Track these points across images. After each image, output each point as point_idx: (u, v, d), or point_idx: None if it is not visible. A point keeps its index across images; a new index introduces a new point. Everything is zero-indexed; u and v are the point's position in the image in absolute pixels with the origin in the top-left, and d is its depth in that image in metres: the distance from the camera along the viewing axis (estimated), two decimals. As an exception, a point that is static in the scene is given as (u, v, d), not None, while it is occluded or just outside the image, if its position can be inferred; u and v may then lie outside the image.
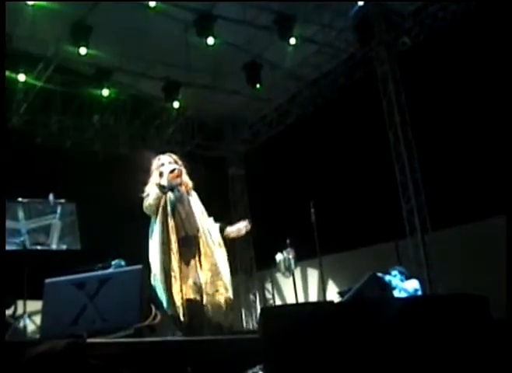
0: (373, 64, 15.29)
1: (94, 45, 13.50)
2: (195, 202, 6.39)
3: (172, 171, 6.18)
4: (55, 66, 14.58)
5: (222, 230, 6.47)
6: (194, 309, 5.76)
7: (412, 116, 14.28)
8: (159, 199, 6.09)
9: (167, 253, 5.87)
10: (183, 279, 5.82)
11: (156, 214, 6.11)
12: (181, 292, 5.74)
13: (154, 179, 6.32)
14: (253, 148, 19.23)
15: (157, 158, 6.54)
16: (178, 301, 5.66)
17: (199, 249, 6.08)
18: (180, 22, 13.97)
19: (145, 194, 6.25)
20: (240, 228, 6.71)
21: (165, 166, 6.30)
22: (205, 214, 6.43)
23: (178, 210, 6.14)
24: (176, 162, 6.44)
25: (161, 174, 6.22)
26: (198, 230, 6.16)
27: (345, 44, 15.52)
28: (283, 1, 13.70)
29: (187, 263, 5.95)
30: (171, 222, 6.01)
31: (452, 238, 13.23)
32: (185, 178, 6.42)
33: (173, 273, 5.78)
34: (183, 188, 6.34)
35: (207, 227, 6.31)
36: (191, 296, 5.78)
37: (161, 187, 6.08)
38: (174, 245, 5.91)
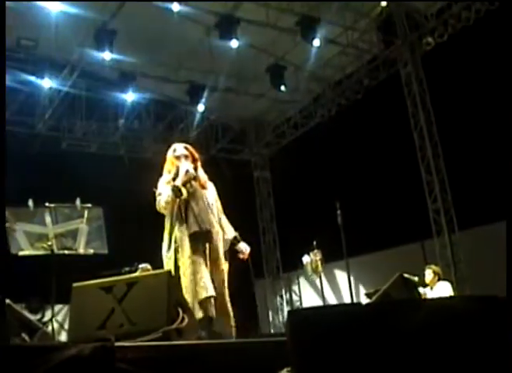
0: (396, 64, 15.24)
1: (118, 50, 13.56)
2: (211, 196, 6.28)
3: (187, 172, 6.07)
4: (80, 71, 14.65)
5: (236, 240, 6.30)
6: (205, 309, 5.65)
7: (436, 116, 14.20)
8: (172, 201, 5.99)
9: (174, 252, 5.84)
10: (192, 276, 5.71)
11: (170, 213, 6.05)
12: (190, 290, 5.65)
13: (167, 175, 6.24)
14: (277, 150, 19.22)
15: (172, 148, 6.42)
16: (189, 299, 5.59)
17: (211, 245, 5.97)
18: (203, 25, 13.99)
19: (157, 192, 6.14)
20: (246, 251, 6.33)
21: (182, 164, 6.17)
22: (220, 208, 6.35)
23: (191, 206, 6.00)
24: (192, 155, 6.33)
25: (176, 172, 6.12)
26: (212, 226, 6.04)
27: (368, 45, 15.47)
28: (306, 2, 13.66)
29: (199, 260, 5.81)
30: (183, 219, 5.94)
31: (479, 238, 13.14)
32: (200, 172, 6.31)
33: (182, 271, 5.74)
34: (196, 183, 6.19)
35: (224, 225, 6.27)
36: (202, 296, 5.64)
37: (175, 190, 5.97)
38: (183, 243, 5.85)
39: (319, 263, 11.43)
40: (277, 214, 19.29)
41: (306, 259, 11.57)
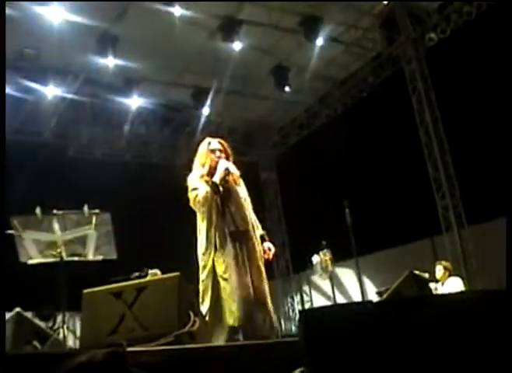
0: (400, 61, 15.23)
1: (121, 56, 13.58)
2: (244, 192, 6.17)
3: (226, 170, 5.94)
4: (84, 78, 14.66)
5: (262, 239, 6.16)
6: (246, 311, 5.54)
7: (442, 112, 14.18)
8: (211, 198, 5.81)
9: (213, 251, 5.67)
10: (229, 279, 5.58)
11: (208, 210, 5.82)
12: (228, 293, 5.54)
13: (200, 169, 6.07)
14: (284, 151, 19.22)
15: (206, 141, 6.27)
16: (226, 302, 5.51)
17: (248, 245, 5.86)
18: (206, 29, 13.98)
19: (192, 186, 5.94)
20: (270, 251, 6.20)
21: (221, 160, 6.02)
22: (250, 205, 6.21)
23: (227, 204, 5.87)
24: (225, 151, 6.18)
25: (212, 167, 5.99)
26: (248, 224, 5.95)
27: (371, 43, 15.47)
28: (308, 1, 13.64)
29: (236, 261, 5.67)
30: (219, 217, 5.78)
31: (489, 233, 13.10)
32: (233, 168, 6.12)
33: (219, 274, 5.61)
34: (231, 178, 6.05)
35: (255, 222, 6.14)
36: (245, 299, 5.54)
37: (214, 187, 5.83)
38: (222, 242, 5.70)
39: (329, 262, 11.43)
40: (285, 214, 19.29)
41: (315, 259, 11.57)
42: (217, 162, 6.00)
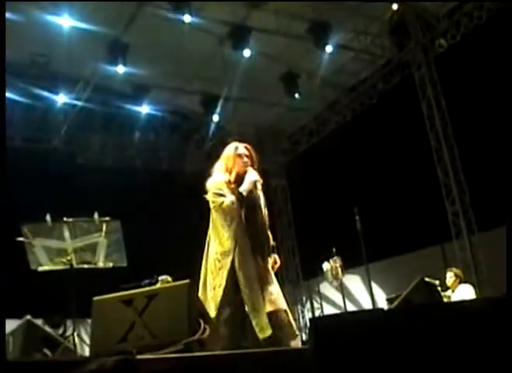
0: (410, 67, 15.20)
1: (131, 63, 13.62)
2: (262, 199, 6.05)
3: (255, 182, 5.82)
4: (94, 85, 14.70)
5: (272, 250, 6.03)
6: (276, 322, 5.47)
7: (452, 118, 14.15)
8: (236, 209, 5.65)
9: (230, 262, 5.52)
10: (251, 291, 5.47)
11: (228, 219, 5.65)
12: (252, 306, 5.42)
13: (225, 173, 5.88)
14: (293, 157, 19.20)
15: (233, 145, 6.05)
16: (250, 314, 5.39)
17: (266, 257, 5.78)
18: (215, 36, 14.02)
19: (217, 190, 5.75)
20: (276, 264, 5.99)
21: (250, 171, 5.86)
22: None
23: (250, 216, 5.75)
24: (252, 157, 6.01)
25: (240, 175, 5.84)
26: (268, 238, 5.90)
27: (381, 49, 15.45)
28: (317, 8, 13.64)
29: (256, 273, 5.58)
30: (241, 230, 5.64)
31: (500, 239, 13.03)
32: (258, 176, 5.96)
33: (240, 282, 5.49)
34: (256, 188, 5.93)
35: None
36: (269, 309, 5.46)
37: (241, 198, 5.69)
38: (244, 254, 5.58)
39: (339, 269, 11.39)
40: (295, 221, 19.27)
41: (326, 266, 11.54)
42: (244, 170, 5.86)
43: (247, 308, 5.40)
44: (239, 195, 5.70)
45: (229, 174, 5.87)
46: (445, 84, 14.34)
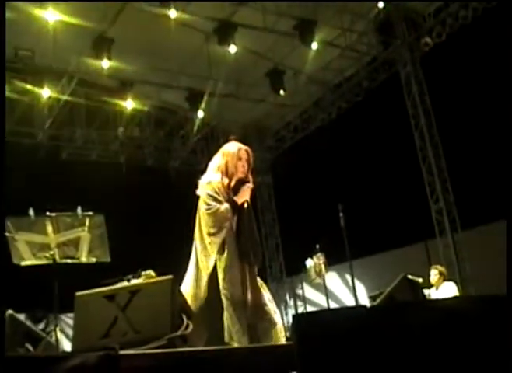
0: (396, 65, 15.25)
1: (116, 57, 13.57)
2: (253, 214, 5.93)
3: (251, 191, 5.76)
4: (78, 80, 14.65)
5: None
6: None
7: (437, 117, 14.20)
8: (230, 218, 5.55)
9: (219, 267, 5.45)
10: (235, 298, 5.38)
11: (220, 226, 5.52)
12: (232, 312, 5.34)
13: (222, 174, 5.71)
14: (278, 154, 19.22)
15: (236, 146, 5.89)
16: (229, 320, 5.32)
17: (253, 266, 5.65)
18: (201, 31, 14.00)
19: (214, 194, 5.59)
20: None
21: (249, 183, 5.77)
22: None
23: (241, 224, 5.64)
24: (250, 162, 5.85)
25: (239, 182, 5.72)
26: (258, 246, 5.78)
27: (367, 47, 15.47)
28: (304, 5, 13.64)
29: (242, 282, 5.48)
30: (232, 238, 5.55)
31: (483, 237, 13.12)
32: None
33: (223, 292, 5.40)
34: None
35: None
36: (249, 318, 5.38)
37: (235, 207, 5.60)
38: (232, 261, 5.48)
39: (322, 266, 11.39)
40: (279, 218, 19.30)
41: (309, 262, 11.53)
42: (244, 177, 5.77)
43: (226, 314, 5.37)
44: (234, 203, 5.61)
45: (227, 176, 5.72)
46: (430, 83, 14.38)
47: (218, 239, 5.51)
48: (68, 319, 11.04)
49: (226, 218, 5.54)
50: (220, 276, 5.44)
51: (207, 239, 5.53)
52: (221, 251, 5.50)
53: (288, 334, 5.71)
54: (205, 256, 5.54)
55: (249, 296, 5.48)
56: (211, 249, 5.51)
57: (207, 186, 5.66)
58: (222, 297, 5.38)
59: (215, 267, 5.49)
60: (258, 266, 5.75)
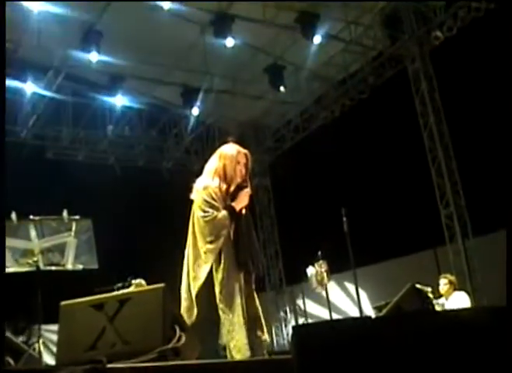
0: (403, 61, 15.22)
1: (105, 51, 13.55)
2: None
3: (250, 198, 5.72)
4: (65, 75, 14.63)
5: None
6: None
7: (447, 115, 14.18)
8: (228, 226, 5.52)
9: (219, 277, 5.39)
10: (234, 309, 5.36)
11: (217, 235, 5.47)
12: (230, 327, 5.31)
13: (220, 179, 5.66)
14: (277, 155, 19.20)
15: (235, 149, 5.84)
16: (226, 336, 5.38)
17: (251, 276, 5.64)
18: (197, 24, 13.98)
19: (212, 201, 5.54)
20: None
21: (247, 189, 5.71)
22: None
23: (239, 233, 5.60)
24: (247, 167, 5.83)
25: (238, 188, 5.68)
26: (258, 257, 5.76)
27: (373, 41, 15.45)
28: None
29: (243, 289, 5.48)
30: (230, 247, 5.52)
31: (496, 244, 13.10)
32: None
33: (220, 306, 5.37)
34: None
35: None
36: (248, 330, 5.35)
37: (233, 214, 5.57)
38: (230, 272, 5.44)
39: (324, 274, 11.36)
40: (278, 223, 19.28)
41: (310, 270, 11.51)
42: (242, 182, 5.73)
43: (223, 330, 5.35)
44: (232, 210, 5.58)
45: (225, 182, 5.69)
46: (440, 79, 14.36)
47: (215, 248, 5.46)
48: (51, 334, 11.01)
49: (224, 226, 5.51)
50: (217, 289, 5.40)
51: (202, 248, 5.49)
52: (217, 261, 5.45)
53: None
54: (198, 265, 5.51)
55: (247, 309, 5.46)
56: (206, 258, 5.47)
57: (203, 191, 5.62)
58: (220, 311, 5.35)
59: (208, 278, 5.44)
60: (260, 275, 5.76)
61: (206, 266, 5.45)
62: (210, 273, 5.45)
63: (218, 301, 5.38)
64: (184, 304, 5.48)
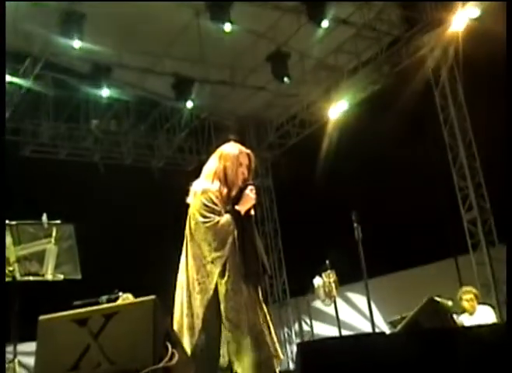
0: (422, 48, 15.18)
1: (89, 37, 13.51)
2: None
3: (254, 201, 5.67)
4: (44, 63, 14.62)
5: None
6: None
7: (470, 110, 14.15)
8: (231, 231, 5.48)
9: (223, 290, 5.36)
10: (241, 326, 5.33)
11: (220, 242, 5.45)
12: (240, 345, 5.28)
13: (219, 183, 5.64)
14: (281, 153, 19.20)
15: (237, 148, 5.81)
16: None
17: (258, 287, 5.63)
18: (191, 6, 13.97)
19: (212, 205, 5.52)
20: None
21: (250, 191, 5.65)
22: None
23: (244, 239, 5.57)
24: (250, 168, 5.81)
25: (240, 192, 5.64)
26: (264, 265, 5.70)
27: (387, 26, 15.43)
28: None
29: (252, 307, 5.48)
30: (235, 256, 5.48)
31: (524, 253, 13.13)
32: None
33: (228, 318, 5.34)
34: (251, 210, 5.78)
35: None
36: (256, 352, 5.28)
37: (237, 218, 5.53)
38: (234, 284, 5.41)
39: (333, 285, 11.39)
40: (282, 228, 19.29)
41: (317, 281, 11.53)
42: (245, 187, 5.67)
43: (229, 349, 5.34)
44: (236, 214, 5.56)
45: (226, 185, 5.68)
46: (464, 68, 14.32)
47: (222, 256, 5.44)
48: (29, 348, 11.01)
49: (228, 232, 5.49)
50: (222, 304, 5.38)
51: (208, 257, 5.45)
52: (222, 272, 5.43)
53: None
54: (203, 276, 5.46)
55: (255, 325, 5.46)
56: (211, 268, 5.44)
57: (202, 195, 5.58)
58: (225, 330, 5.35)
59: (216, 290, 5.42)
60: (262, 285, 5.78)
61: (214, 276, 5.42)
62: (216, 285, 5.41)
63: (224, 318, 5.36)
64: (185, 320, 5.46)
